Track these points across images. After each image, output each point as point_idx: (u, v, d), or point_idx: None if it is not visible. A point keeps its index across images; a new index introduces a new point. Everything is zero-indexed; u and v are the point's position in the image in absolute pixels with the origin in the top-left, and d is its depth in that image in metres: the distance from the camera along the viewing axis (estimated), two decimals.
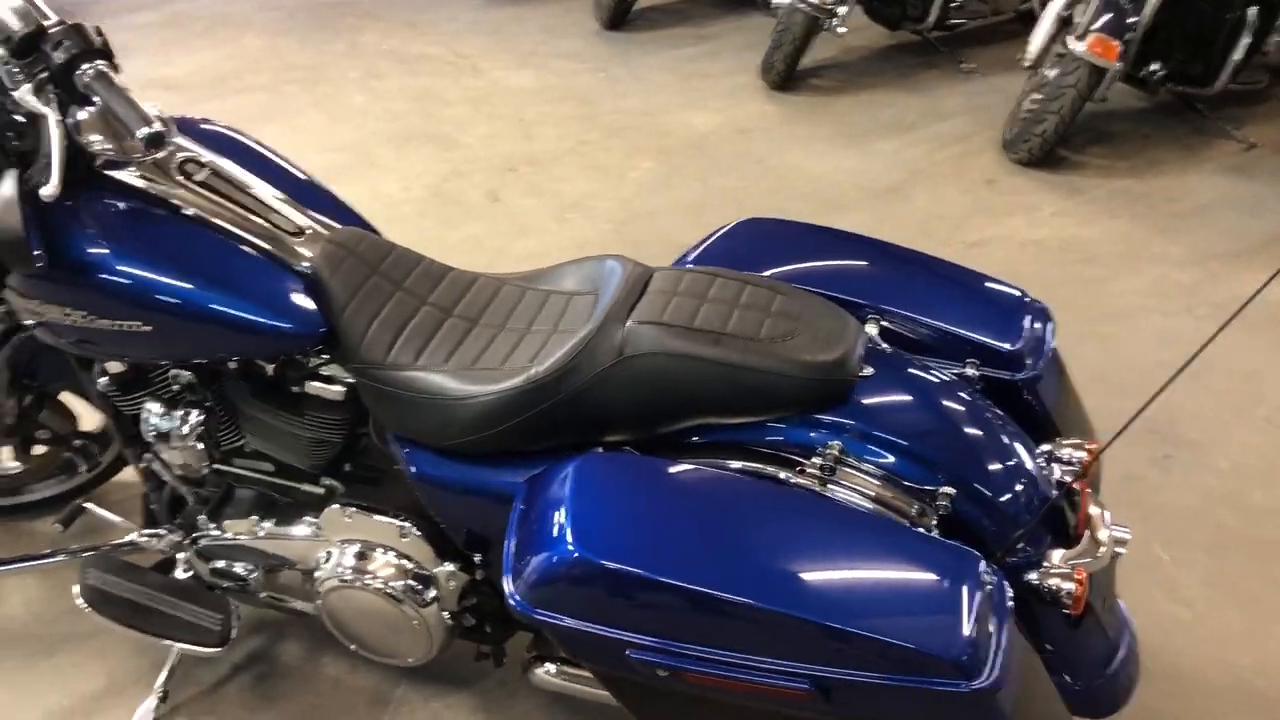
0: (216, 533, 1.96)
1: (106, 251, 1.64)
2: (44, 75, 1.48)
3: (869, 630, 1.29)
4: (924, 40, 5.10)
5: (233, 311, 1.67)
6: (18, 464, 2.28)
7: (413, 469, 1.71)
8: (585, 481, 1.47)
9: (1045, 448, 1.71)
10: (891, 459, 1.55)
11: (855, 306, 1.76)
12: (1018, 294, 1.85)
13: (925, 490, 1.53)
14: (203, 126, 1.91)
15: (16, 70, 1.49)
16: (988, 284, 1.87)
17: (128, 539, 2.04)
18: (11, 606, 2.25)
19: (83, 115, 1.67)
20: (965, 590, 1.34)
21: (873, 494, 1.52)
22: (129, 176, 1.69)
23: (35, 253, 1.56)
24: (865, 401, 1.58)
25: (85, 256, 1.64)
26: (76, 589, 1.91)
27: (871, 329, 1.75)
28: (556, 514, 1.44)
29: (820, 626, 1.31)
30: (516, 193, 3.91)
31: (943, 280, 1.87)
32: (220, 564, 1.98)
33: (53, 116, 1.48)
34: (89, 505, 2.11)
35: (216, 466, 1.93)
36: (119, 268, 1.64)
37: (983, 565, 1.38)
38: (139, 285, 1.64)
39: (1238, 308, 1.44)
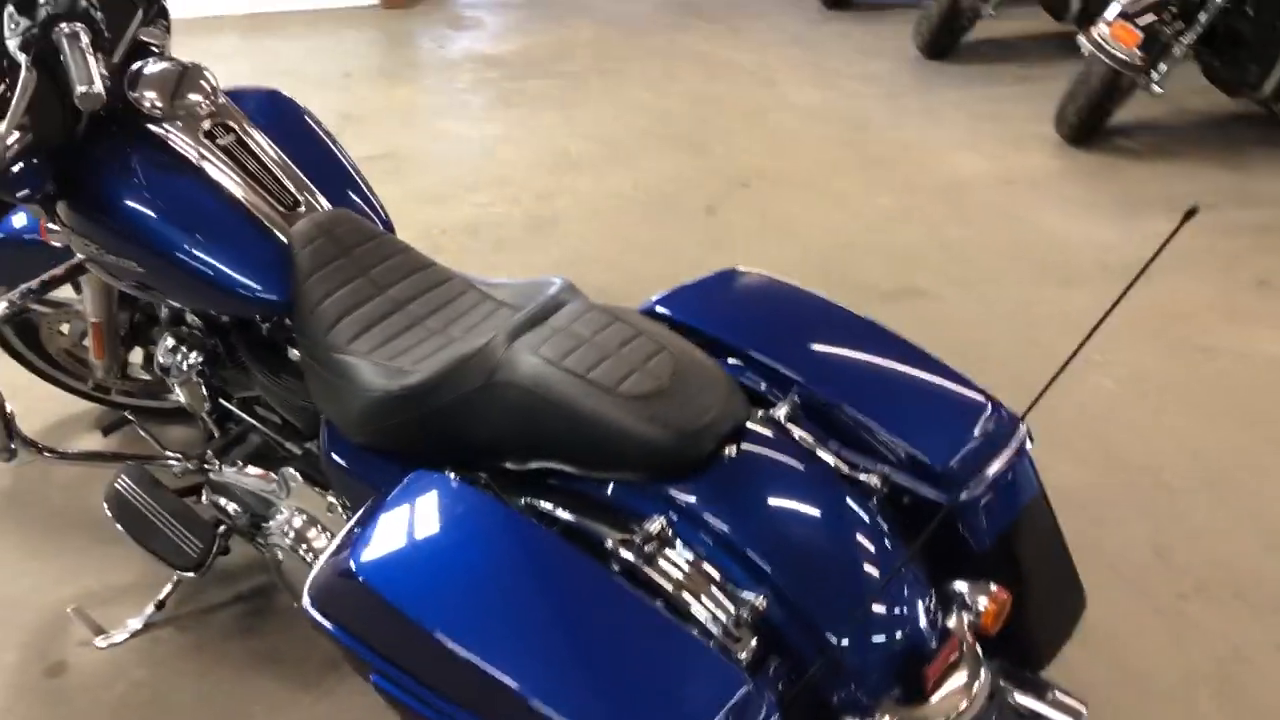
0: (212, 468, 2.13)
1: (116, 193, 1.84)
2: (33, 30, 1.67)
3: None
4: (1270, 113, 4.45)
5: (205, 266, 1.81)
6: (146, 374, 2.59)
7: (325, 448, 1.78)
8: (400, 500, 1.46)
9: (959, 587, 1.49)
10: (716, 552, 1.41)
11: (781, 380, 1.61)
12: (983, 403, 1.61)
13: (740, 595, 1.38)
14: (259, 96, 2.07)
15: (14, 23, 1.70)
16: (956, 386, 1.63)
17: (160, 458, 2.27)
18: (78, 497, 2.54)
19: (148, 69, 1.89)
20: (704, 711, 1.21)
21: (679, 584, 1.39)
22: (162, 131, 1.88)
23: (20, 191, 1.78)
24: (711, 483, 1.44)
25: (99, 195, 1.84)
26: (104, 489, 2.15)
27: (782, 409, 1.59)
28: (363, 525, 1.45)
29: (537, 713, 1.23)
30: (737, 208, 3.87)
31: (904, 373, 1.65)
32: (219, 499, 2.15)
33: (24, 66, 1.67)
34: (133, 419, 2.37)
35: (224, 407, 2.10)
36: (122, 209, 1.83)
37: (744, 690, 1.23)
38: (135, 227, 1.82)
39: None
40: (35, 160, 1.79)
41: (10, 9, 1.70)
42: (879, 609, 1.39)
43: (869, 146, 4.35)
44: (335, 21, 5.77)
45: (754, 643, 1.36)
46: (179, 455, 2.23)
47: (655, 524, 1.42)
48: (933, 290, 3.38)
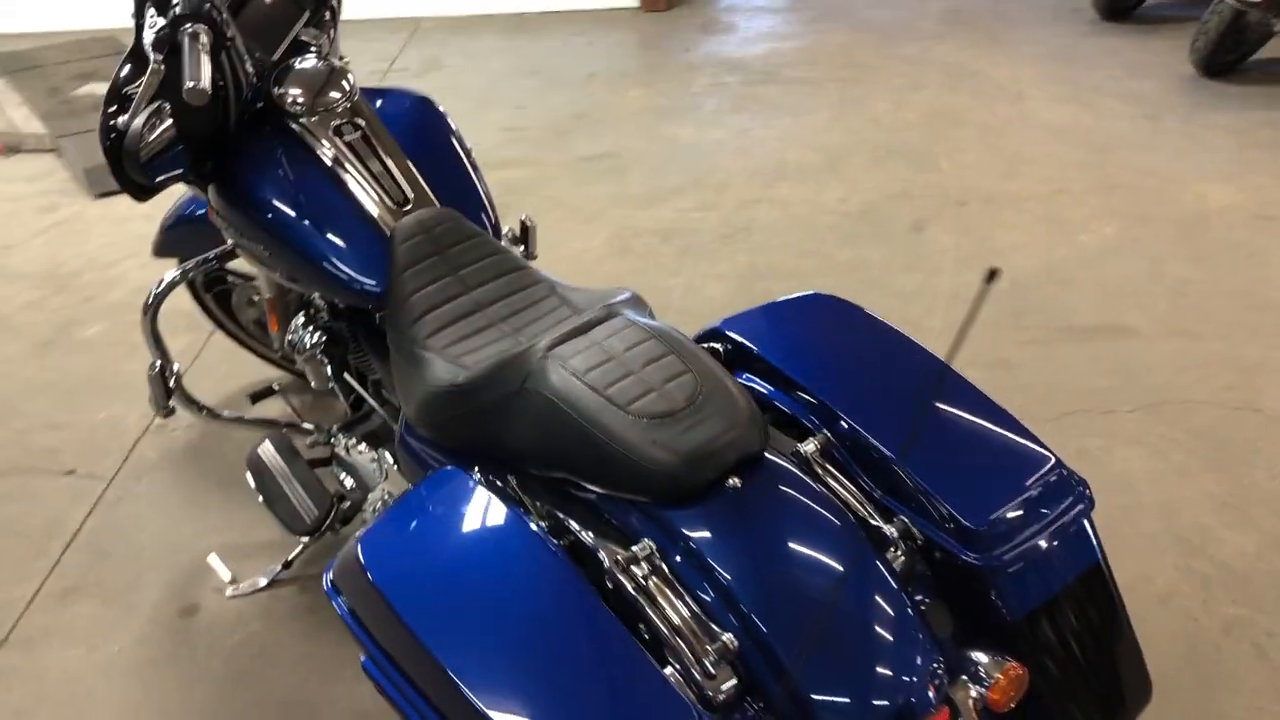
0: (337, 443, 2.27)
1: (249, 180, 1.99)
2: (164, 30, 1.83)
3: None
4: None
5: (315, 252, 1.93)
6: None
7: (400, 435, 1.85)
8: (418, 495, 1.51)
9: (976, 655, 1.37)
10: (699, 584, 1.36)
11: (829, 416, 1.54)
12: (1043, 465, 1.46)
13: (716, 632, 1.33)
14: (402, 98, 2.17)
15: (152, 22, 1.86)
16: (1019, 444, 1.50)
17: (299, 428, 2.44)
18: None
19: (296, 68, 2.04)
20: None
21: (661, 614, 1.35)
22: (298, 126, 2.01)
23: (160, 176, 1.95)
24: (706, 512, 1.40)
25: (237, 181, 2.00)
26: (248, 452, 2.33)
27: (811, 445, 1.51)
28: (386, 515, 1.50)
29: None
30: (946, 228, 3.69)
31: (964, 424, 1.53)
32: (341, 472, 2.28)
33: (153, 62, 1.82)
34: (278, 390, 2.55)
35: (348, 385, 2.22)
36: (252, 195, 1.98)
37: None
38: (260, 212, 1.97)
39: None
40: (178, 148, 1.96)
41: (151, 9, 1.87)
42: (866, 665, 1.31)
43: (1109, 171, 4.02)
44: (593, 22, 5.95)
45: (731, 682, 1.31)
46: (313, 427, 2.39)
47: (643, 548, 1.40)
48: (1139, 332, 3.09)
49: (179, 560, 2.45)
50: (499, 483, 1.61)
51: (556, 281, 1.91)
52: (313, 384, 2.25)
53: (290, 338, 2.19)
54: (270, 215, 1.96)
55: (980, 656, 1.37)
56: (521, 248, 2.67)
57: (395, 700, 1.36)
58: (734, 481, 1.41)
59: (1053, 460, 1.48)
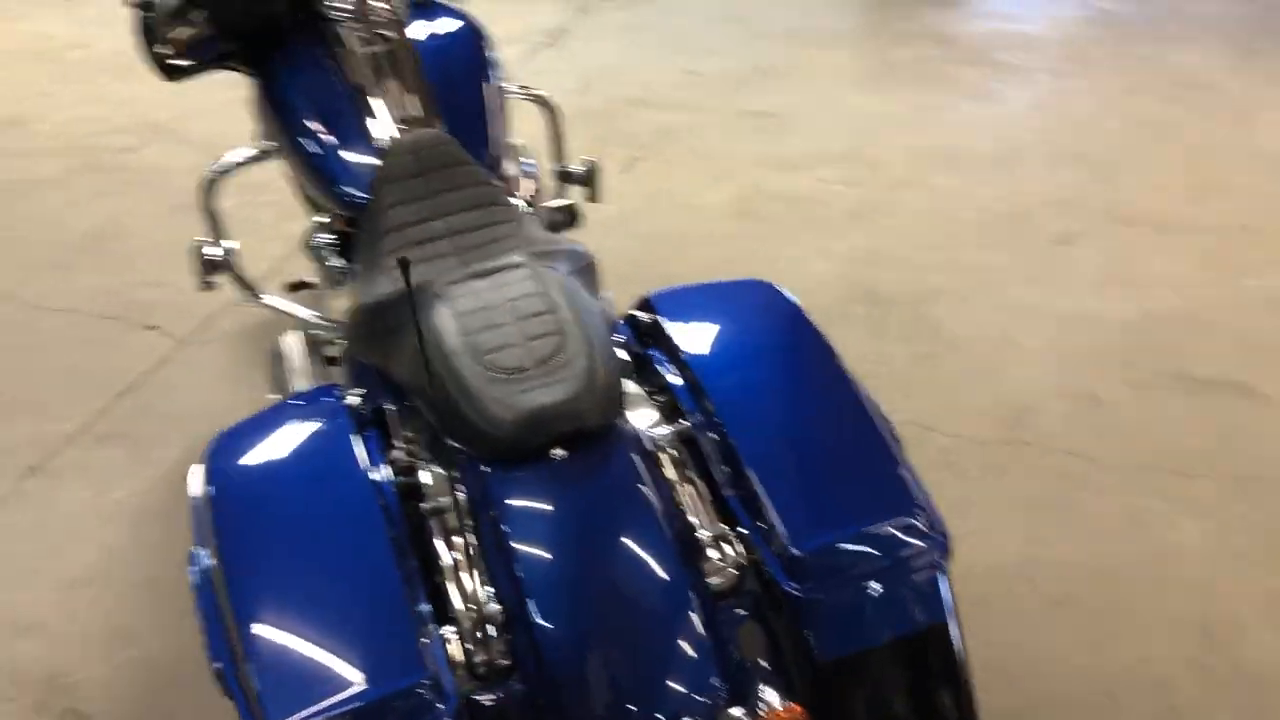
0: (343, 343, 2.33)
1: (276, 80, 2.04)
2: None
3: None
4: None
5: (315, 157, 1.97)
6: None
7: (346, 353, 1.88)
8: (287, 406, 1.53)
9: (766, 689, 1.27)
10: (493, 550, 1.32)
11: (701, 403, 1.44)
12: (906, 502, 1.32)
13: (486, 601, 1.29)
14: (446, 16, 2.16)
15: None
16: (893, 479, 1.35)
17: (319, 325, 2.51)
18: None
19: None
20: (369, 681, 1.17)
21: (446, 570, 1.32)
22: (330, 31, 2.04)
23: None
24: (519, 478, 1.34)
25: (268, 80, 2.06)
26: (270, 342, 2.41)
27: (661, 431, 1.43)
28: (252, 417, 1.53)
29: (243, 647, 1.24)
30: (1096, 246, 3.37)
31: (839, 445, 1.40)
32: (345, 369, 2.34)
33: None
34: (311, 283, 2.62)
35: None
36: (276, 94, 2.03)
37: (411, 683, 1.16)
38: (279, 106, 2.02)
39: None
40: (213, 42, 2.03)
41: None
42: (628, 669, 1.23)
43: None
44: None
45: (499, 652, 1.27)
46: (333, 324, 2.46)
47: (448, 502, 1.36)
48: (1261, 397, 2.74)
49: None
50: (382, 409, 1.61)
51: (531, 224, 1.87)
52: (319, 285, 2.31)
53: (306, 240, 2.25)
54: (285, 113, 2.01)
55: (767, 689, 1.27)
56: (585, 189, 2.64)
57: (196, 588, 1.38)
58: (558, 452, 1.35)
59: (919, 502, 1.34)
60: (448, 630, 1.28)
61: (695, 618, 1.26)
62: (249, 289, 2.56)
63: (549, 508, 1.32)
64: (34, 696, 2.01)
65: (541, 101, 2.58)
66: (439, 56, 2.08)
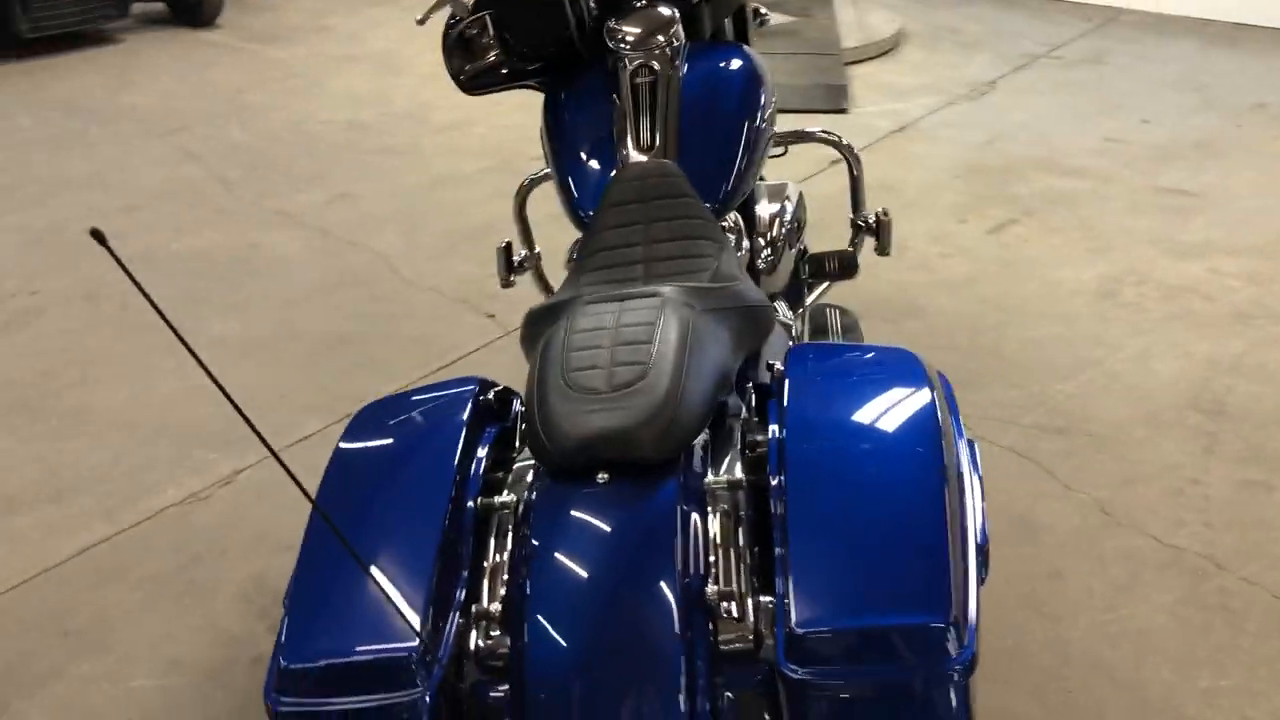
0: None
1: (557, 98, 2.20)
2: None
3: None
4: None
5: (564, 171, 2.11)
6: None
7: None
8: (436, 389, 1.67)
9: None
10: (520, 554, 1.35)
11: (779, 461, 1.38)
12: (943, 601, 1.18)
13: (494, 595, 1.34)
14: (724, 51, 2.20)
15: None
16: (932, 570, 1.21)
17: None
18: None
19: (638, 8, 2.19)
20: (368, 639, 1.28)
21: (484, 567, 1.38)
22: (609, 60, 2.16)
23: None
24: (562, 495, 1.36)
25: (553, 98, 2.22)
26: None
27: (715, 478, 1.37)
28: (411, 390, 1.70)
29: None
30: None
31: (894, 528, 1.27)
32: None
33: None
34: None
35: None
36: (552, 111, 2.19)
37: (407, 650, 1.24)
38: (550, 127, 2.17)
39: None
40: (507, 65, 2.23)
41: None
42: (599, 707, 1.23)
43: None
44: None
45: (495, 652, 1.31)
46: None
47: (505, 502, 1.42)
48: None
49: None
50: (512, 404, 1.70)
51: (729, 262, 1.87)
52: None
53: (569, 252, 2.40)
54: (554, 131, 2.17)
55: None
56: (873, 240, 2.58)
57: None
58: (603, 476, 1.37)
59: (952, 612, 1.20)
60: (482, 612, 1.33)
61: (677, 669, 1.23)
62: (548, 290, 2.78)
63: (575, 528, 1.34)
64: None
65: (841, 148, 2.55)
66: (706, 91, 2.13)
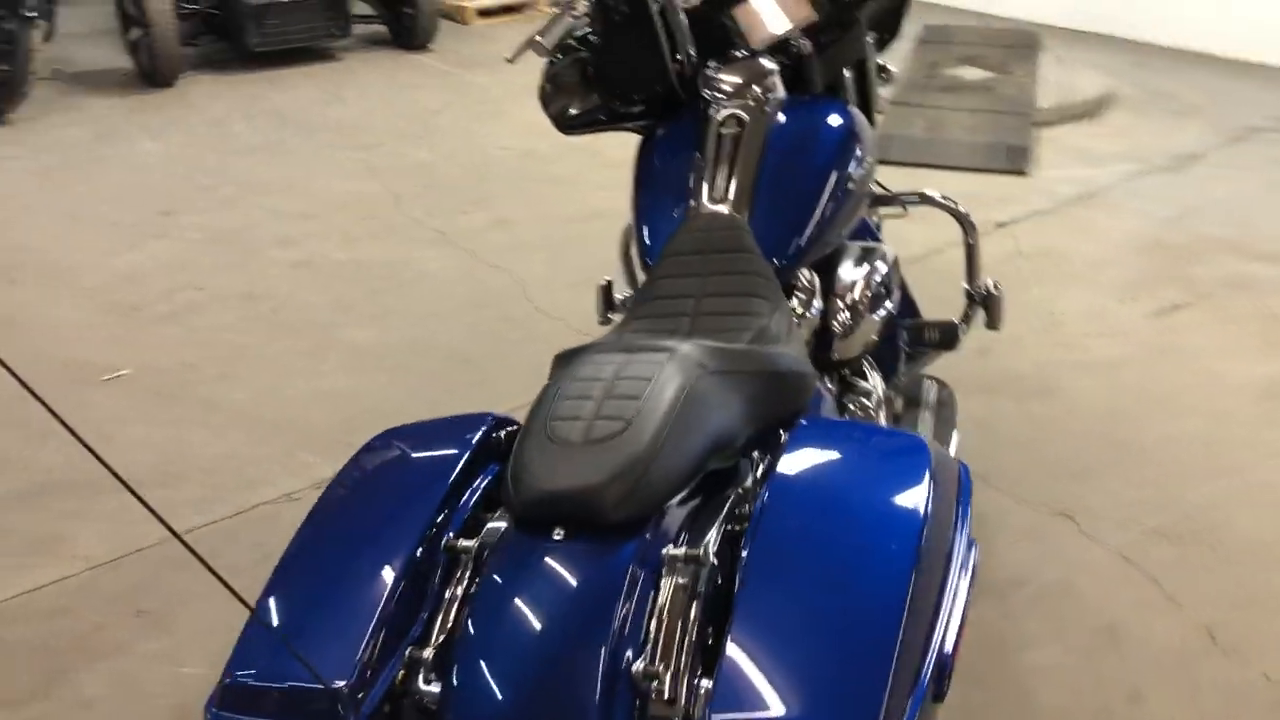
0: None
1: (649, 141, 2.18)
2: None
3: None
4: None
5: (637, 213, 2.09)
6: None
7: None
8: (453, 420, 1.68)
9: None
10: (471, 600, 1.33)
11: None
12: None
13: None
14: (824, 106, 2.13)
15: None
16: (868, 690, 1.12)
17: None
18: None
19: (739, 59, 2.14)
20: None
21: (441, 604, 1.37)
22: (700, 107, 2.12)
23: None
24: (518, 545, 1.33)
25: (645, 141, 2.20)
26: None
27: (678, 551, 1.30)
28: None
29: None
30: None
31: (852, 639, 1.19)
32: None
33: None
34: None
35: None
36: (640, 151, 2.17)
37: (337, 689, 1.26)
38: (636, 167, 2.16)
39: None
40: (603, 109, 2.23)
41: None
42: None
43: None
44: None
45: (427, 695, 1.30)
46: None
47: (466, 544, 1.40)
48: None
49: None
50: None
51: (780, 323, 1.80)
52: None
53: None
54: (638, 172, 2.15)
55: None
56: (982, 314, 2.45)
57: None
58: (559, 532, 1.33)
59: (880, 717, 1.11)
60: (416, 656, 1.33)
61: None
62: None
63: (520, 583, 1.31)
64: None
65: (957, 214, 2.43)
66: (793, 146, 2.06)
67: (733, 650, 1.20)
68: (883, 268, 2.16)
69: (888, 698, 1.14)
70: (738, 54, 2.12)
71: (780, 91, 2.10)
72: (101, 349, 3.33)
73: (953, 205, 2.42)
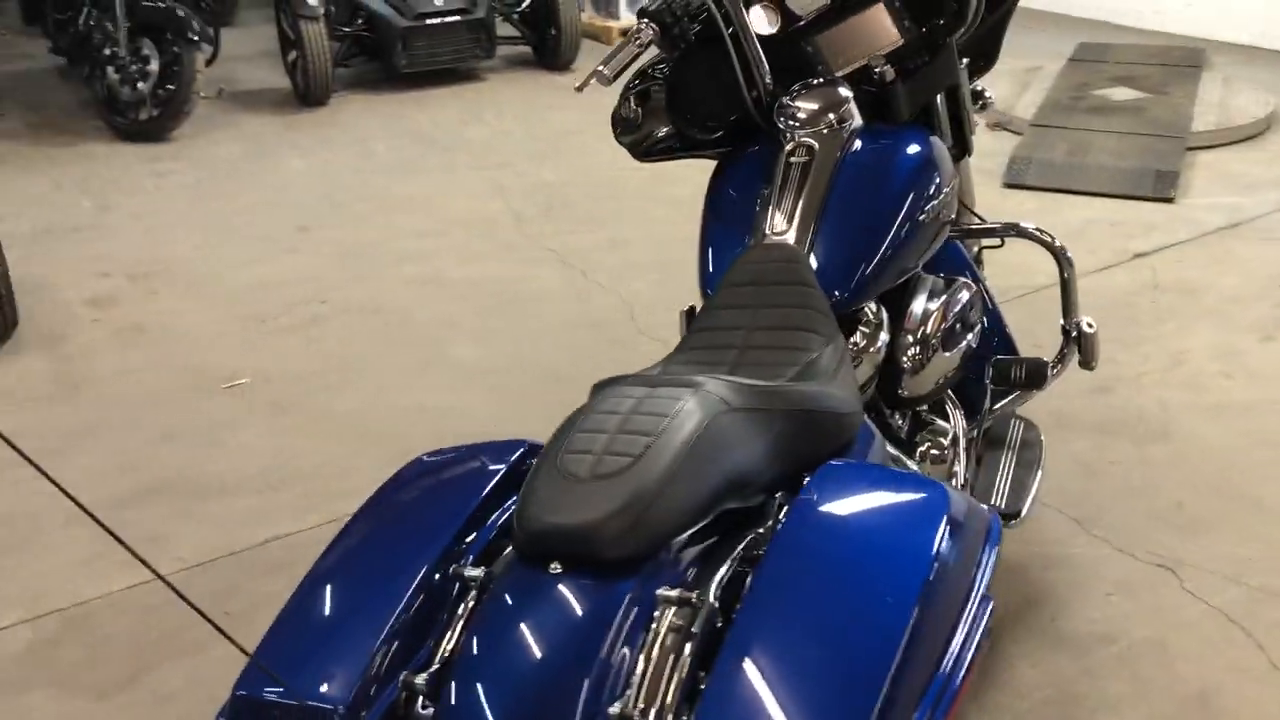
0: None
1: (723, 168, 2.15)
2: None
3: None
4: None
5: (702, 239, 2.07)
6: None
7: None
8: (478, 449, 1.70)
9: None
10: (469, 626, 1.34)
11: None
12: None
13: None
14: (905, 135, 2.05)
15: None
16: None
17: None
18: None
19: (820, 86, 2.10)
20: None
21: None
22: (774, 133, 2.08)
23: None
24: (515, 578, 1.34)
25: (719, 168, 2.18)
26: None
27: (672, 593, 1.27)
28: None
29: None
30: None
31: (836, 686, 1.14)
32: None
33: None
34: None
35: None
36: (713, 178, 2.15)
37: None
38: (708, 193, 2.13)
39: None
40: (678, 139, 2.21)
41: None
42: None
43: None
44: None
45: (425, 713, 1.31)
46: None
47: (474, 576, 1.40)
48: None
49: None
50: None
51: (830, 361, 1.75)
52: None
53: None
54: (707, 198, 2.13)
55: None
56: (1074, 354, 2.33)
57: None
58: (555, 566, 1.32)
59: None
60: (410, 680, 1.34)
61: None
62: None
63: (512, 616, 1.31)
64: None
65: (1053, 248, 2.31)
66: (864, 176, 2.00)
67: (712, 694, 1.18)
68: (961, 302, 2.08)
69: None
70: (815, 81, 2.08)
71: (856, 119, 2.04)
72: (226, 357, 3.50)
73: (1048, 239, 2.31)
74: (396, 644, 1.36)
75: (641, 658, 1.27)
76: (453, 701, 1.27)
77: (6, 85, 6.44)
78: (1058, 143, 4.70)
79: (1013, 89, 5.26)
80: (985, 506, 1.50)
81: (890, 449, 1.95)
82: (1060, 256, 2.32)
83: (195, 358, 3.50)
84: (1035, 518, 2.55)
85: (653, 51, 2.14)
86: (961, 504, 1.41)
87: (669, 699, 1.23)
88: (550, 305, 3.73)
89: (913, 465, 2.02)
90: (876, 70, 2.10)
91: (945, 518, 1.33)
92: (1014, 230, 2.35)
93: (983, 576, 1.35)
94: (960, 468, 2.13)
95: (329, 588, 1.45)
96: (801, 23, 2.10)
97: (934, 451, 2.09)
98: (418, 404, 3.18)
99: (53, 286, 4.00)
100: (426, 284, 3.92)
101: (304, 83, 5.85)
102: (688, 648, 1.28)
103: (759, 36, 2.08)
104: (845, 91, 2.05)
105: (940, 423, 2.15)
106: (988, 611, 1.32)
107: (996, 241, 2.54)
